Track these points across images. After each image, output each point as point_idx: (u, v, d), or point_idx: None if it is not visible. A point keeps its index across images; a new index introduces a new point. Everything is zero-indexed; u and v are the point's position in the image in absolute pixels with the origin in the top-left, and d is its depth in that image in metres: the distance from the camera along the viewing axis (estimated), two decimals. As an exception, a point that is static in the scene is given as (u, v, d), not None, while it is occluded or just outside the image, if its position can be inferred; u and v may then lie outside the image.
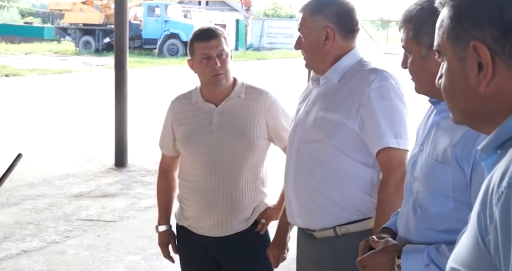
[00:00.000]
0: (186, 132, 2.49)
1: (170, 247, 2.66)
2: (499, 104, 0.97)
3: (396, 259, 1.52)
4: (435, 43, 1.07)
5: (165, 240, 2.64)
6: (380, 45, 31.28)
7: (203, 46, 2.37)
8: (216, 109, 2.45)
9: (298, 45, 2.18)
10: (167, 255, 2.68)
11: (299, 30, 2.16)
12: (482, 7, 0.96)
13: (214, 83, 2.41)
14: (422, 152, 1.60)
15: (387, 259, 1.55)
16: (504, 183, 0.86)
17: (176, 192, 2.66)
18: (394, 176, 1.98)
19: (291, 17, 45.96)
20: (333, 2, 2.12)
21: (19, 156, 2.82)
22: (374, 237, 1.65)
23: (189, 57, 2.49)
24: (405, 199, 1.67)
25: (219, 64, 2.36)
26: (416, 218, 1.58)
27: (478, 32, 0.96)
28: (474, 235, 0.92)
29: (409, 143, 2.02)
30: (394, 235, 1.72)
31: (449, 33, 1.02)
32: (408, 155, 2.02)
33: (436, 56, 1.08)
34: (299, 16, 2.18)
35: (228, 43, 2.45)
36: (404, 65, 1.64)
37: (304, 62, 2.22)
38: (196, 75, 2.47)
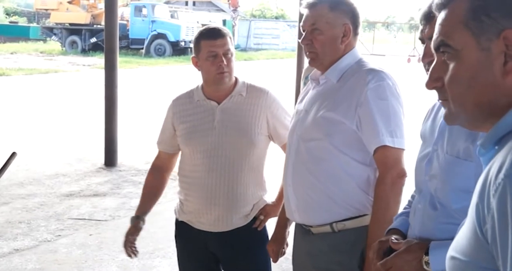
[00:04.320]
0: (188, 129, 2.53)
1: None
2: None
3: (424, 256, 1.52)
4: (440, 39, 1.06)
5: (134, 236, 2.64)
6: (366, 46, 31.54)
7: (210, 44, 2.43)
8: (219, 106, 2.50)
9: (308, 39, 2.17)
10: (129, 247, 2.64)
11: (313, 24, 2.15)
12: None
13: (219, 81, 2.46)
14: (438, 151, 1.62)
15: (413, 257, 1.55)
16: (501, 175, 0.89)
17: (161, 191, 2.70)
18: (390, 174, 2.02)
19: (278, 18, 46.19)
20: (347, 1, 2.17)
21: (13, 155, 2.82)
22: (393, 238, 1.66)
23: (193, 55, 2.53)
24: (418, 198, 1.69)
25: (225, 62, 2.42)
26: (437, 214, 1.59)
27: (508, 22, 0.96)
28: (473, 225, 0.95)
29: (406, 142, 2.07)
30: (403, 235, 1.73)
31: (469, 25, 1.00)
32: (404, 154, 2.07)
33: (441, 52, 1.07)
34: (307, 11, 2.18)
35: (233, 44, 2.51)
36: (426, 59, 1.63)
37: (308, 59, 2.21)
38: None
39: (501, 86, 0.98)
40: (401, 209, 1.92)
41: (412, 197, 1.83)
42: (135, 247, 2.64)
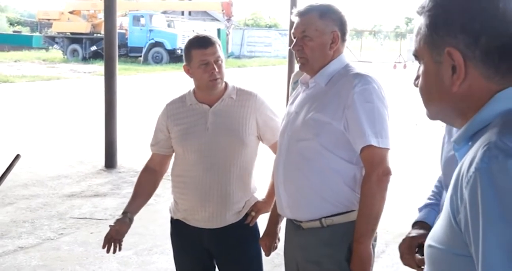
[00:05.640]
0: (182, 131, 2.59)
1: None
2: (470, 101, 1.06)
3: None
4: (413, 49, 1.15)
5: (116, 227, 2.62)
6: (354, 53, 31.87)
7: (201, 53, 2.49)
8: (211, 109, 2.57)
9: (299, 46, 2.26)
10: (109, 241, 2.62)
11: (303, 31, 2.24)
12: (455, 16, 1.05)
13: (212, 87, 2.54)
14: None
15: None
16: (472, 168, 0.94)
17: (152, 191, 2.76)
18: (376, 172, 2.10)
19: (270, 27, 46.69)
20: (336, 10, 2.26)
21: (17, 157, 2.89)
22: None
23: (184, 63, 2.60)
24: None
25: (216, 69, 2.49)
26: None
27: (452, 39, 1.05)
28: (447, 215, 1.01)
29: (390, 141, 2.16)
30: (428, 228, 1.76)
31: (426, 40, 1.10)
32: (389, 153, 2.16)
33: (414, 60, 1.17)
34: (299, 19, 2.26)
35: (222, 50, 2.57)
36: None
37: (297, 65, 2.30)
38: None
39: (453, 94, 1.07)
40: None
41: (436, 187, 1.89)
42: (120, 244, 2.61)
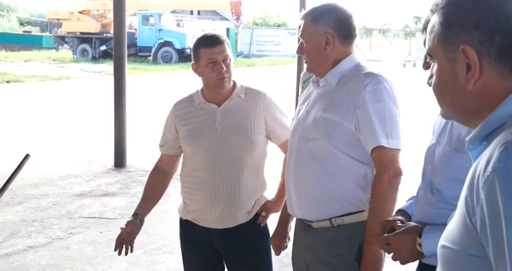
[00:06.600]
0: (190, 130, 2.59)
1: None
2: (485, 100, 1.05)
3: (418, 238, 1.67)
4: (426, 47, 1.15)
5: (127, 229, 2.62)
6: (364, 52, 31.85)
7: (209, 51, 2.49)
8: (219, 108, 2.56)
9: (300, 50, 2.29)
10: (120, 244, 2.62)
11: (301, 36, 2.27)
12: (469, 13, 1.04)
13: (220, 86, 2.53)
14: (440, 143, 1.76)
15: (409, 238, 1.70)
16: (489, 168, 0.93)
17: (162, 192, 2.75)
18: (387, 172, 2.10)
19: (279, 26, 46.88)
20: (333, 10, 2.23)
21: (27, 156, 2.92)
22: (398, 221, 1.80)
23: (192, 62, 2.59)
24: (421, 184, 1.82)
25: (224, 68, 2.49)
26: (434, 200, 1.74)
27: (466, 37, 1.04)
28: (463, 216, 1.00)
29: (402, 142, 2.15)
30: (408, 217, 1.87)
31: (439, 38, 1.09)
32: (400, 153, 2.17)
33: (428, 59, 1.20)
34: (300, 23, 2.27)
35: (230, 49, 2.57)
36: (426, 65, 1.75)
37: (305, 66, 2.34)
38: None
39: (467, 92, 1.06)
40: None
41: None
42: (132, 245, 2.62)
